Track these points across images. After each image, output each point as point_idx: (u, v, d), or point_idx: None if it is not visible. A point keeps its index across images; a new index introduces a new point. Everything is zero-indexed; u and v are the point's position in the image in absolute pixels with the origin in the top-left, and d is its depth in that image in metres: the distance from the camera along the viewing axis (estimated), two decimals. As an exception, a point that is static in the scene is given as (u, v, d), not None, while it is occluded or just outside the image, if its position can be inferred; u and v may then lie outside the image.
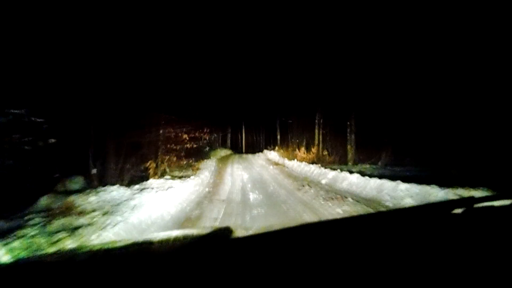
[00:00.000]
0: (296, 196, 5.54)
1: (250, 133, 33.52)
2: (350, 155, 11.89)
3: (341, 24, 11.56)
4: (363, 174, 7.10)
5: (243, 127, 32.68)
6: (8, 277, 0.64)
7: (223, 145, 27.26)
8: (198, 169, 9.43)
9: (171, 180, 6.81)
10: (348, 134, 12.01)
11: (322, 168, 9.03)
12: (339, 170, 7.98)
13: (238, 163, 13.68)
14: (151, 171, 7.36)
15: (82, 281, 0.59)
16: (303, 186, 6.82)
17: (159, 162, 7.85)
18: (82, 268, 0.70)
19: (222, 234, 0.94)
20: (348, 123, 12.04)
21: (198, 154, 13.62)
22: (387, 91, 10.73)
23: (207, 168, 10.05)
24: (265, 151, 22.26)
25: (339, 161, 12.02)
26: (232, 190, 6.52)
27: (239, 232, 0.93)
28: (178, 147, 8.47)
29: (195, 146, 9.44)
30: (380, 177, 6.20)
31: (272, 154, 17.65)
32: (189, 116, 8.81)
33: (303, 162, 11.32)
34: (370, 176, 6.63)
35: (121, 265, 0.70)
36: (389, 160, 10.82)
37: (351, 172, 7.30)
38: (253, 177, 8.59)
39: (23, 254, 2.66)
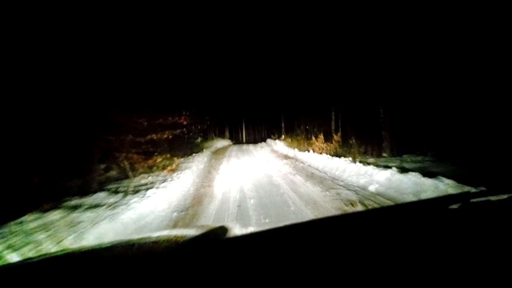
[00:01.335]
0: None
1: (251, 122, 30.40)
2: (385, 143, 8.91)
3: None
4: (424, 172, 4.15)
5: (243, 116, 29.53)
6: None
7: (221, 135, 24.23)
8: (174, 170, 6.47)
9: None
10: (382, 115, 8.98)
11: (359, 164, 6.06)
12: (394, 169, 5.02)
13: (237, 158, 10.71)
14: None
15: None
16: (345, 201, 3.87)
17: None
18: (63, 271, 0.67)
19: (217, 234, 0.90)
20: (380, 106, 9.01)
21: (182, 147, 10.67)
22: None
23: (190, 168, 7.10)
24: (268, 140, 19.23)
25: (369, 153, 9.03)
26: (220, 214, 3.60)
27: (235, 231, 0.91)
28: (140, 140, 5.51)
29: (170, 136, 6.44)
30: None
31: (278, 144, 14.66)
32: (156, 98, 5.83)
33: (324, 154, 8.36)
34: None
35: (111, 265, 0.69)
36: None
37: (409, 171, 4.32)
38: (259, 183, 5.61)
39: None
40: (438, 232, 0.68)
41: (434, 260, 0.53)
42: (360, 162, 6.62)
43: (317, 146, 9.58)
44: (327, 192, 4.46)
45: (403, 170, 5.02)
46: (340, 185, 5.09)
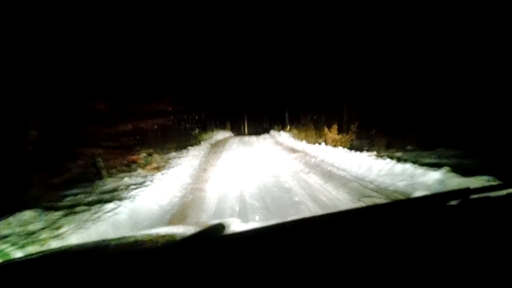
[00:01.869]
0: None
1: (253, 113, 29.00)
2: (411, 135, 7.63)
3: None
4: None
5: (245, 107, 28.10)
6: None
7: (221, 126, 22.91)
8: (160, 168, 5.25)
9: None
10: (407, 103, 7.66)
11: (390, 161, 4.81)
12: (446, 168, 3.77)
13: (238, 151, 9.48)
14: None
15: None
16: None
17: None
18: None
19: (216, 231, 0.84)
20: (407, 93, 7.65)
21: (177, 139, 9.47)
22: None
23: (181, 164, 5.89)
24: (271, 131, 17.92)
25: (392, 146, 7.76)
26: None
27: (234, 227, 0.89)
28: (109, 131, 4.27)
29: (155, 127, 5.21)
30: None
31: (283, 136, 13.37)
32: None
33: (340, 148, 7.11)
34: None
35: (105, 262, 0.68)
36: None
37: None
38: (265, 187, 4.37)
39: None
40: (433, 230, 0.66)
41: (428, 259, 0.53)
42: (388, 157, 5.38)
43: (330, 137, 8.28)
44: (361, 203, 3.23)
45: (458, 169, 3.78)
46: (372, 189, 3.86)
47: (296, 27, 14.80)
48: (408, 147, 7.50)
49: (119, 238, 0.94)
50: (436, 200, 0.83)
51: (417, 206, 0.84)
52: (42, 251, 1.09)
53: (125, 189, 3.95)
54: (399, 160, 5.09)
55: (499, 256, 0.52)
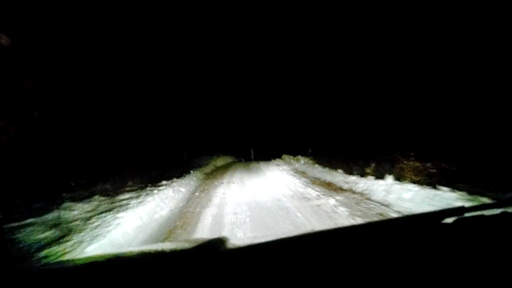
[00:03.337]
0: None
1: (260, 133, 25.88)
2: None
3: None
4: None
5: (250, 127, 25.10)
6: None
7: (222, 150, 19.56)
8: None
9: None
10: None
11: None
12: None
13: (242, 187, 6.24)
14: None
15: None
16: None
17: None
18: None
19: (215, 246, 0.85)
20: None
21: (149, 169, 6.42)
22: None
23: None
24: (285, 156, 14.56)
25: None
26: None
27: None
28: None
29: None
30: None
31: (302, 162, 10.09)
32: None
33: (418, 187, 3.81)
34: None
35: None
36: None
37: None
38: None
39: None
40: (427, 248, 0.66)
41: (420, 276, 0.52)
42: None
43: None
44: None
45: None
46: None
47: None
48: None
49: (126, 252, 0.92)
50: (430, 218, 0.82)
51: (412, 224, 0.82)
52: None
53: None
54: None
55: (492, 274, 0.52)
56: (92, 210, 4.17)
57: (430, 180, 3.53)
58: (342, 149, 8.14)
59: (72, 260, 1.13)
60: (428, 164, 3.68)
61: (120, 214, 3.64)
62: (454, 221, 0.77)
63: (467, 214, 0.77)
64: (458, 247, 0.63)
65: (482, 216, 0.76)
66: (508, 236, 0.68)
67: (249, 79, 21.16)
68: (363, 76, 9.12)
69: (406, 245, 0.67)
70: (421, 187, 3.53)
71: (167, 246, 1.06)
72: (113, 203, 4.75)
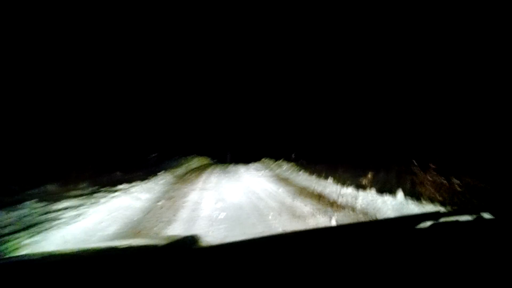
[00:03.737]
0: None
1: (238, 135, 24.90)
2: None
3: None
4: None
5: (228, 127, 24.02)
6: None
7: (197, 151, 18.19)
8: None
9: None
10: None
11: None
12: None
13: (218, 197, 5.25)
14: None
15: None
16: None
17: None
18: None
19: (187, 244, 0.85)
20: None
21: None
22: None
23: None
24: (264, 160, 13.71)
25: None
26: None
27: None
28: None
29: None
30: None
31: (285, 168, 9.30)
32: None
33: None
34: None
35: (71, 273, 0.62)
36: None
37: None
38: None
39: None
40: (402, 253, 0.63)
41: (393, 281, 0.50)
42: None
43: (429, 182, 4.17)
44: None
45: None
46: None
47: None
48: None
49: (92, 248, 0.91)
50: (405, 223, 0.81)
51: (387, 228, 0.80)
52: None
53: None
54: None
55: (465, 280, 0.51)
56: (5, 226, 2.97)
57: (458, 201, 2.82)
58: (331, 153, 7.41)
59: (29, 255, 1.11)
60: (456, 181, 2.98)
61: (34, 238, 2.50)
62: (429, 227, 0.75)
63: (442, 219, 0.77)
64: (433, 254, 0.61)
65: (457, 221, 0.77)
66: (480, 241, 0.66)
67: (227, 75, 20.14)
68: (355, 64, 8.10)
69: (380, 250, 0.64)
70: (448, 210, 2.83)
71: (137, 241, 1.12)
72: (44, 214, 3.57)
